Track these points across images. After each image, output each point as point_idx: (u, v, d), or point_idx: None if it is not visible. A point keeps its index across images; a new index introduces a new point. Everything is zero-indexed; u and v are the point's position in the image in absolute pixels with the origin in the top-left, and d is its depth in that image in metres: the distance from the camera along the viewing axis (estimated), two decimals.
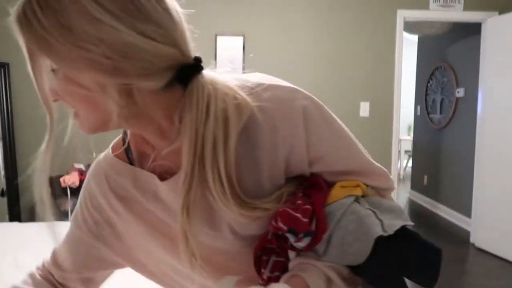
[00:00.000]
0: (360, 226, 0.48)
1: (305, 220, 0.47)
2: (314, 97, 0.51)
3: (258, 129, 0.48)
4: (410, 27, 3.55)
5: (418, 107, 4.61)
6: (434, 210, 4.09)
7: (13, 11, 0.43)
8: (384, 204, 0.53)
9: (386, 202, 0.54)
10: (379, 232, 0.47)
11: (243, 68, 2.85)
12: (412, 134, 5.36)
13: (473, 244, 3.04)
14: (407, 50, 4.57)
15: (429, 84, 4.31)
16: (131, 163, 0.58)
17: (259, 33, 2.85)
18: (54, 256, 0.63)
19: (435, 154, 4.12)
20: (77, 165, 2.62)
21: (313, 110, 0.50)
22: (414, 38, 4.97)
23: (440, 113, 4.03)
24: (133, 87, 0.44)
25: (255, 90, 0.48)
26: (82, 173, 2.53)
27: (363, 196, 0.53)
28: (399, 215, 0.51)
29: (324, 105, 0.52)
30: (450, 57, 3.85)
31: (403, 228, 0.49)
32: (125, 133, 0.60)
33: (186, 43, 0.48)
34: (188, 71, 0.47)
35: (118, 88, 0.43)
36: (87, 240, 0.60)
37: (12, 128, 2.70)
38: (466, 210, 3.42)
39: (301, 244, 0.48)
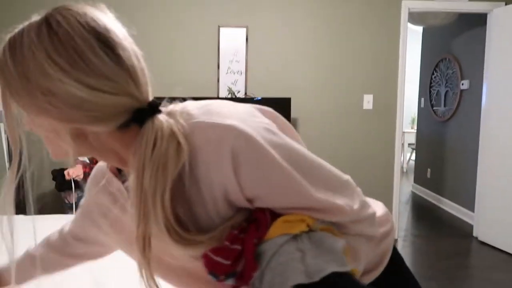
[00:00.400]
0: (284, 271, 0.48)
1: (227, 262, 0.48)
2: (251, 134, 0.48)
3: (197, 166, 0.49)
4: (414, 18, 3.51)
5: (422, 100, 4.58)
6: (437, 203, 4.09)
7: None
8: (325, 243, 0.50)
9: (330, 241, 0.51)
10: (298, 280, 0.46)
11: (246, 60, 2.83)
12: (415, 127, 5.34)
13: (476, 238, 3.04)
14: (411, 41, 4.53)
15: (433, 76, 4.27)
16: (120, 172, 0.64)
17: (262, 25, 2.83)
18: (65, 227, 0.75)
19: (439, 147, 4.10)
20: (81, 158, 2.63)
21: (244, 151, 0.47)
22: (419, 29, 4.91)
23: (444, 105, 4.00)
24: (86, 130, 0.49)
25: (194, 128, 0.49)
26: (86, 166, 2.55)
27: (310, 231, 0.51)
28: (336, 259, 0.49)
29: (262, 143, 0.49)
30: (455, 48, 3.81)
31: (336, 274, 0.47)
32: None
33: (140, 89, 0.50)
34: (142, 114, 0.49)
35: (71, 131, 0.49)
36: (88, 221, 0.70)
37: None
38: (469, 203, 3.42)
39: (227, 283, 0.50)
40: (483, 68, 3.09)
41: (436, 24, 3.59)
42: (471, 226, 3.25)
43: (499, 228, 2.81)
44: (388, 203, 3.01)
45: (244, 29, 2.80)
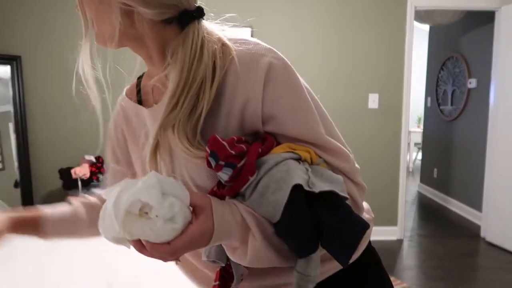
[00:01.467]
0: (286, 176, 0.47)
1: (230, 151, 0.47)
2: (288, 62, 0.53)
3: (227, 76, 0.52)
4: (421, 16, 3.48)
5: (429, 99, 4.54)
6: (444, 203, 4.05)
7: None
8: (326, 173, 0.51)
9: (330, 173, 0.52)
10: (299, 181, 0.46)
11: None
12: (422, 126, 5.29)
13: (483, 238, 3.00)
14: (418, 39, 4.49)
15: (440, 75, 4.23)
16: (139, 101, 0.66)
17: (267, 24, 2.83)
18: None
19: (446, 147, 4.06)
20: (87, 157, 2.66)
21: (279, 70, 0.51)
22: (425, 27, 4.86)
23: (451, 104, 3.96)
24: (135, 10, 0.52)
25: (236, 42, 0.54)
26: (92, 165, 2.57)
27: (312, 164, 0.52)
28: (336, 185, 0.49)
29: (297, 74, 0.54)
30: (462, 47, 3.77)
31: (333, 196, 0.47)
32: (138, 79, 0.70)
33: None
34: (188, 15, 0.54)
35: (122, 7, 0.52)
36: (119, 168, 0.71)
37: (24, 120, 2.75)
38: (477, 204, 3.38)
39: (223, 176, 0.48)
40: (491, 67, 3.05)
41: (443, 22, 3.55)
42: (478, 227, 3.21)
43: (507, 228, 2.77)
44: (394, 203, 2.99)
45: (249, 29, 2.80)
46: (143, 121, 0.64)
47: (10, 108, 2.70)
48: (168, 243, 0.43)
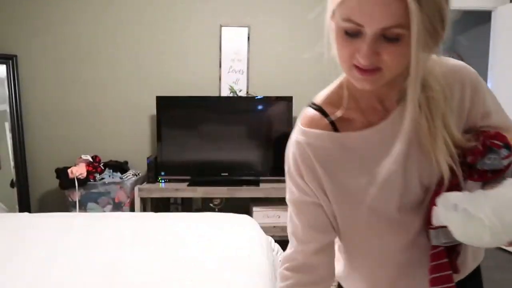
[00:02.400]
0: None
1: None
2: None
3: (452, 85, 0.63)
4: None
5: None
6: None
7: None
8: None
9: None
10: None
11: (248, 59, 2.83)
12: None
13: None
14: None
15: None
16: (335, 130, 0.65)
17: (264, 24, 2.83)
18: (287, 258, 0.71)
19: None
20: (84, 157, 2.65)
21: (478, 77, 0.67)
22: None
23: None
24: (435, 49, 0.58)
25: (444, 61, 0.65)
26: (89, 165, 2.57)
27: None
28: None
29: None
30: (458, 46, 3.78)
31: None
32: (320, 110, 0.67)
33: None
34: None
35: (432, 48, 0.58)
36: (312, 201, 0.67)
37: (20, 120, 2.74)
38: None
39: (504, 163, 0.59)
40: (487, 66, 3.06)
41: None
42: None
43: None
44: None
45: (246, 29, 2.80)
46: (354, 146, 0.64)
47: (6, 107, 2.69)
48: None
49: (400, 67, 0.55)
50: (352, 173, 0.64)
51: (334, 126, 0.65)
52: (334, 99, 0.67)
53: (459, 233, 0.56)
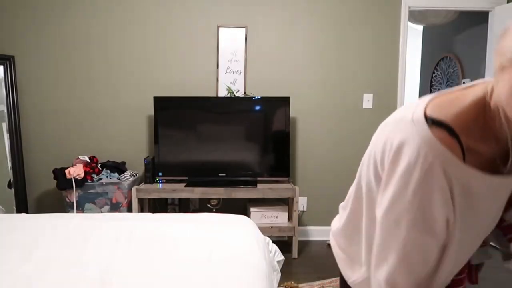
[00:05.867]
0: None
1: None
2: None
3: None
4: (415, 16, 3.50)
5: None
6: None
7: None
8: None
9: None
10: None
11: (245, 60, 2.84)
12: None
13: None
14: (412, 40, 4.51)
15: (434, 75, 4.26)
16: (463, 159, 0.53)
17: (262, 25, 2.83)
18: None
19: None
20: (81, 157, 2.65)
21: None
22: (419, 27, 4.89)
23: None
24: None
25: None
26: (86, 165, 2.57)
27: None
28: None
29: None
30: (456, 47, 3.80)
31: None
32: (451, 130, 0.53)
33: None
34: None
35: None
36: (436, 243, 0.55)
37: (18, 121, 2.73)
38: None
39: None
40: (484, 67, 3.08)
41: (437, 23, 3.57)
42: None
43: None
44: None
45: (244, 29, 2.81)
46: (492, 189, 0.55)
47: (3, 108, 2.69)
48: None
49: None
50: (463, 210, 0.55)
51: (463, 153, 0.52)
52: (470, 121, 0.53)
53: None
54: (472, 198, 0.54)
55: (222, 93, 2.82)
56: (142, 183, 2.68)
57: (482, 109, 0.53)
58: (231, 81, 2.83)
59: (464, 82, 3.61)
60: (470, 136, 0.53)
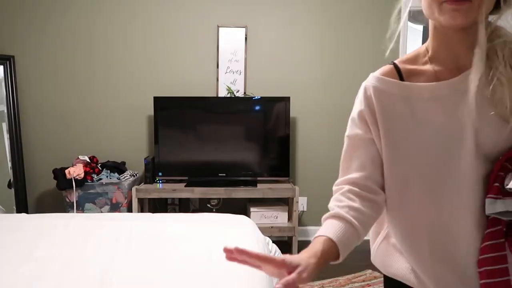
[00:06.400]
0: None
1: None
2: None
3: None
4: (415, 16, 3.50)
5: None
6: None
7: None
8: None
9: None
10: None
11: (245, 60, 2.84)
12: None
13: None
14: (412, 40, 4.50)
15: None
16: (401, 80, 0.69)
17: (262, 25, 2.83)
18: (345, 180, 0.72)
19: None
20: (81, 157, 2.65)
21: None
22: (419, 27, 4.90)
23: None
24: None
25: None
26: (86, 165, 2.57)
27: None
28: None
29: None
30: None
31: None
32: (394, 65, 0.73)
33: None
34: None
35: None
36: (365, 137, 0.73)
37: (18, 120, 2.73)
38: None
39: None
40: None
41: None
42: None
43: None
44: None
45: (243, 29, 2.81)
46: (417, 96, 0.66)
47: (3, 108, 2.69)
48: None
49: (488, 2, 0.58)
50: (407, 123, 0.65)
51: (401, 77, 0.69)
52: (411, 57, 0.72)
53: None
54: (413, 110, 0.66)
55: (222, 93, 2.82)
56: (142, 183, 2.69)
57: (433, 34, 0.71)
58: (231, 81, 2.83)
59: None
60: (412, 64, 0.71)
